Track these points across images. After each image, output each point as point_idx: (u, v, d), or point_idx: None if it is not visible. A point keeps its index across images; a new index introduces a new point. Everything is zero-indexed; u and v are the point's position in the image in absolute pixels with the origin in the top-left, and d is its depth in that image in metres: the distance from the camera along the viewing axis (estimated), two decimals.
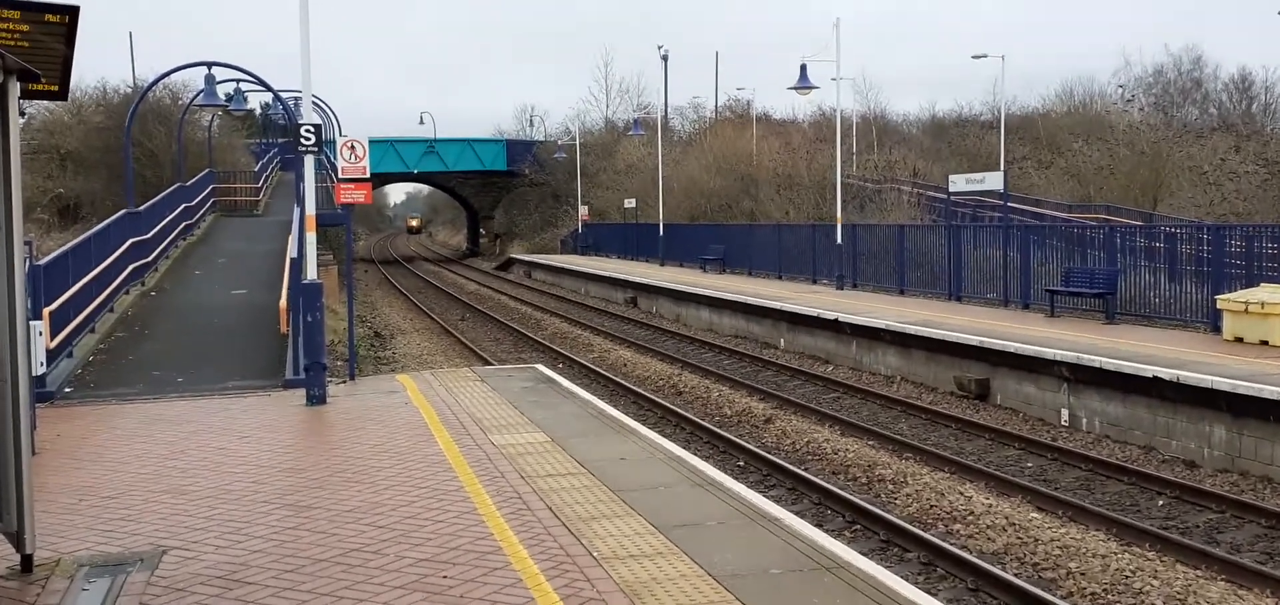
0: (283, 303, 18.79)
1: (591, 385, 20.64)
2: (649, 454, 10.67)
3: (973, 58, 44.71)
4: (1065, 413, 16.30)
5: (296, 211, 25.87)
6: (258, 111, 63.97)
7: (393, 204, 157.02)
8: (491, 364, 22.90)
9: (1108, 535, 10.99)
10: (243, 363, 17.05)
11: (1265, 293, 16.84)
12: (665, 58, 71.27)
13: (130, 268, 22.37)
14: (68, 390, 14.95)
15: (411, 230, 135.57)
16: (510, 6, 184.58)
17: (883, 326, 21.28)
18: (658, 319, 33.43)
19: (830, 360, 23.26)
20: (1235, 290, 17.75)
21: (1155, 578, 9.73)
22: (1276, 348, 16.11)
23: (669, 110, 72.09)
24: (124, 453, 11.02)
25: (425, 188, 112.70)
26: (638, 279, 38.51)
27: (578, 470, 9.92)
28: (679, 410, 18.04)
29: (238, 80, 34.62)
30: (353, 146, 15.44)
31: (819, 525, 10.95)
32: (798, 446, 15.55)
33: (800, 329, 24.94)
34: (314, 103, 14.93)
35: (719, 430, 16.34)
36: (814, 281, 32.36)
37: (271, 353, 17.61)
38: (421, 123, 76.00)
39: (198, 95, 33.07)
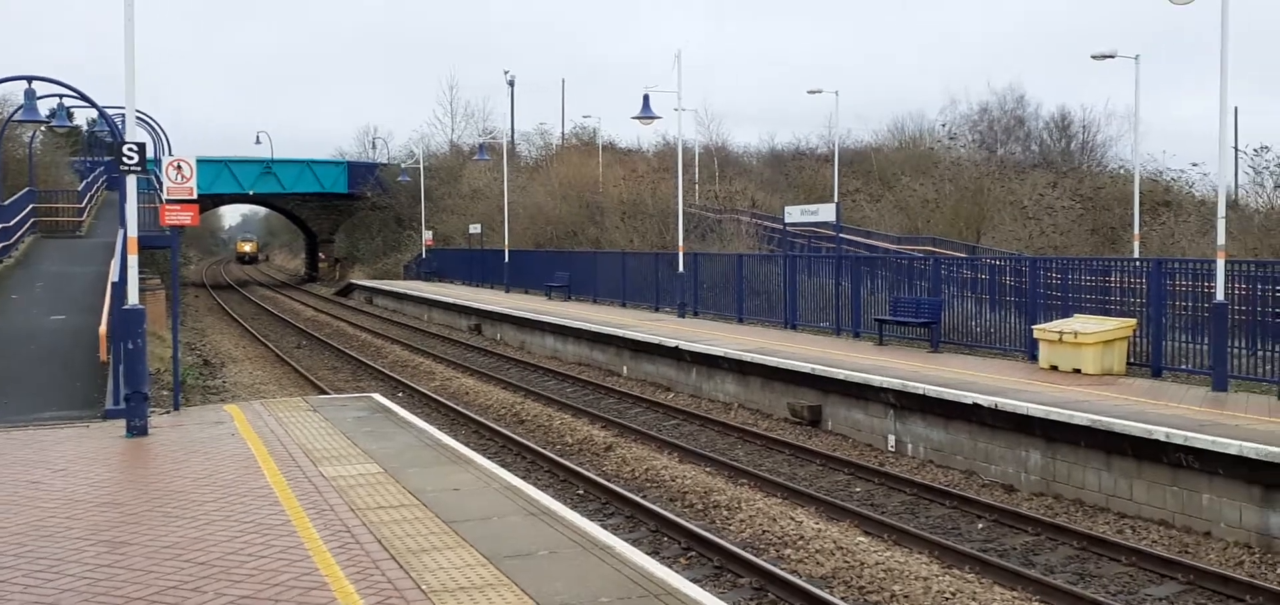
0: (103, 329, 18.01)
1: (431, 415, 20.38)
2: (485, 484, 10.59)
3: (809, 92, 46.09)
4: (892, 438, 16.82)
5: (120, 233, 24.86)
6: (84, 129, 61.44)
7: (227, 226, 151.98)
8: (327, 393, 22.39)
9: (930, 558, 11.37)
10: (60, 392, 16.28)
11: (1078, 323, 17.70)
12: (512, 83, 71.32)
13: None
14: None
15: (242, 257, 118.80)
16: (352, 26, 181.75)
17: (721, 354, 21.62)
18: (502, 346, 33.24)
19: (671, 387, 23.51)
20: (1052, 320, 18.58)
21: (974, 600, 10.09)
22: (1089, 376, 16.95)
23: (515, 136, 71.96)
24: None
25: (262, 210, 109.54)
26: (482, 306, 38.22)
27: (410, 501, 9.78)
28: (520, 439, 17.95)
29: (62, 95, 33.09)
30: (179, 166, 14.95)
31: (654, 553, 11.06)
32: (637, 474, 15.64)
33: (643, 356, 25.15)
34: (141, 119, 14.43)
35: (560, 459, 16.32)
36: (657, 309, 32.66)
37: (90, 382, 16.88)
38: (257, 143, 73.85)
39: (17, 111, 31.48)
